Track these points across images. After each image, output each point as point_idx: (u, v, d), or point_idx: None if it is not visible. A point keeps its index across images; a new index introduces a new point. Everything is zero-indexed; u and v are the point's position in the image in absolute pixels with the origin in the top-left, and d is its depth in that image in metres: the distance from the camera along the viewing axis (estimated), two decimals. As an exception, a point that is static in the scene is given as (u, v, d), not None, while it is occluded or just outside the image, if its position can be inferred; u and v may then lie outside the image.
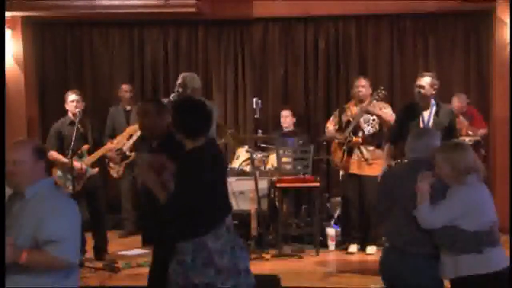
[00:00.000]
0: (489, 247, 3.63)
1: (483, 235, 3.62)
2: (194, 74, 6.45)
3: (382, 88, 6.76)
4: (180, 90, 6.02)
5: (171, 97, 6.07)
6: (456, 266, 3.67)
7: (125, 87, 8.15)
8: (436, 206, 3.69)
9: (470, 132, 6.96)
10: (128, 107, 8.03)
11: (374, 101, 6.75)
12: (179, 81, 6.12)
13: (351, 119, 6.83)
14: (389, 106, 6.92)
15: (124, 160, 7.53)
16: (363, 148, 6.79)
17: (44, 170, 3.32)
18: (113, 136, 7.35)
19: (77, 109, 6.63)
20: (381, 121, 6.74)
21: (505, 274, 3.64)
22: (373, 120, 6.79)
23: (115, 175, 7.71)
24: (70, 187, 6.30)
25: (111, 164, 7.61)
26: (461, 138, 6.12)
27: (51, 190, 3.31)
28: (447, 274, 3.75)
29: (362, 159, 6.78)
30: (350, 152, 6.82)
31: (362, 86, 6.88)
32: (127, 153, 7.44)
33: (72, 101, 6.66)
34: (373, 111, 6.73)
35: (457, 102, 7.66)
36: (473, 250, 3.62)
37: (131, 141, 7.36)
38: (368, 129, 6.80)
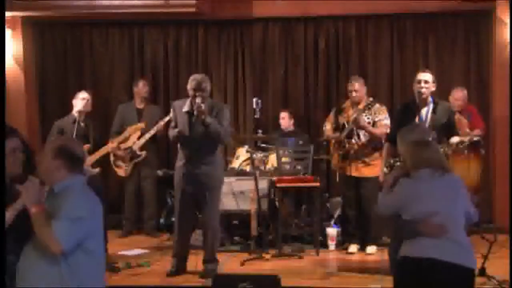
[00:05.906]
0: (419, 235, 3.71)
1: (414, 223, 3.74)
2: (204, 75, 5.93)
3: (371, 99, 6.68)
4: (201, 93, 5.55)
5: (198, 101, 5.54)
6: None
7: (143, 82, 7.87)
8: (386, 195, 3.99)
9: (467, 130, 6.90)
10: (141, 105, 7.89)
11: (363, 113, 6.68)
12: (194, 84, 5.57)
13: (346, 123, 6.81)
14: (386, 110, 6.88)
15: (134, 159, 7.55)
16: (359, 152, 6.77)
17: (66, 169, 3.29)
18: (120, 133, 7.35)
19: (85, 108, 6.67)
20: (370, 136, 6.72)
21: (427, 264, 3.65)
22: (369, 123, 6.75)
23: (122, 174, 7.68)
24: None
25: (119, 163, 7.60)
26: (460, 138, 6.09)
27: (80, 187, 3.31)
28: None
29: (359, 161, 6.77)
30: (346, 156, 6.82)
31: (355, 90, 6.87)
32: (137, 152, 7.48)
33: (84, 98, 6.72)
34: (363, 125, 6.68)
35: (456, 93, 7.49)
36: (404, 236, 3.82)
37: (142, 140, 7.39)
38: (363, 132, 6.77)
